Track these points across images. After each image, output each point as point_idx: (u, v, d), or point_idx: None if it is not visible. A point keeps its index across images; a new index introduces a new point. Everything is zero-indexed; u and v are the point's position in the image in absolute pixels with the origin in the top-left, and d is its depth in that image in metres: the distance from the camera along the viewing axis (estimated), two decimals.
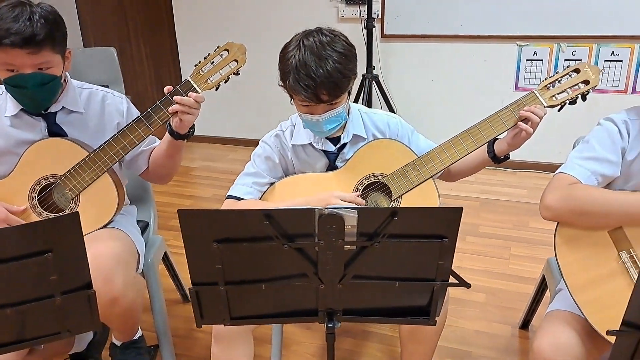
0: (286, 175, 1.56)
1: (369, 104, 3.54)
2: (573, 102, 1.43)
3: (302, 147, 1.53)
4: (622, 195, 1.26)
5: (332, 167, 1.54)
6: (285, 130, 1.56)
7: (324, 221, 0.99)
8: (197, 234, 1.02)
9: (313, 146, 1.52)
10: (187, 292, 1.86)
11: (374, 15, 3.46)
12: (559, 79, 1.44)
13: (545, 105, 1.42)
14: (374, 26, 3.45)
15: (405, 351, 1.52)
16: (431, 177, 1.46)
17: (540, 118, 1.39)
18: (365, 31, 3.46)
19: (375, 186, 1.49)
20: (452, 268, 1.07)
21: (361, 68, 3.58)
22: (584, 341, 1.23)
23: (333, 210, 0.98)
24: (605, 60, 3.24)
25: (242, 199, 1.50)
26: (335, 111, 1.40)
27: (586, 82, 1.42)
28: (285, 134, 1.55)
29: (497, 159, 1.50)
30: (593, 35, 3.19)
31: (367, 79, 3.49)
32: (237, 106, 4.17)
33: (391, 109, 3.59)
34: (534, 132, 1.40)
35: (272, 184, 1.54)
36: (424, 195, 1.45)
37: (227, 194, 1.52)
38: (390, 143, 1.50)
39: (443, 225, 1.02)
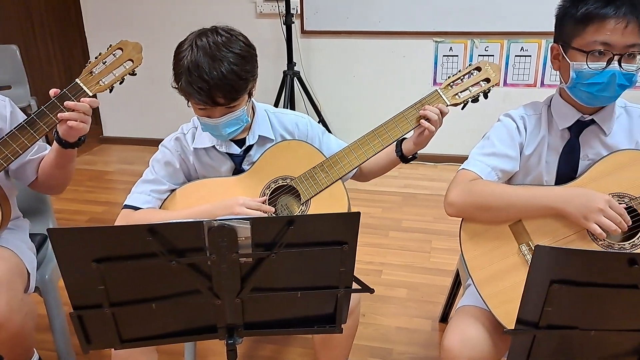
0: (189, 181, 1.48)
1: (291, 100, 3.49)
2: (475, 100, 1.44)
3: (204, 150, 1.45)
4: (520, 190, 1.28)
5: (238, 170, 1.47)
6: (187, 133, 1.48)
7: (214, 234, 0.93)
8: (74, 254, 0.93)
9: (216, 149, 1.45)
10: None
11: (292, 11, 3.41)
12: (461, 78, 1.45)
13: (448, 104, 1.42)
14: (293, 22, 3.40)
15: (321, 357, 1.49)
16: (340, 178, 1.43)
17: (442, 116, 1.39)
18: (284, 27, 3.40)
19: (283, 189, 1.44)
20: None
21: (282, 64, 3.55)
22: (492, 335, 1.25)
23: (223, 222, 0.92)
24: (515, 56, 3.37)
25: (140, 208, 1.40)
26: (234, 114, 1.34)
27: (487, 80, 1.44)
28: (186, 137, 1.47)
29: (405, 159, 1.49)
30: (504, 32, 3.30)
31: (289, 76, 3.44)
32: (156, 105, 3.98)
33: (314, 105, 3.56)
34: (436, 130, 1.40)
35: (173, 190, 1.45)
36: (333, 198, 1.42)
37: (124, 204, 1.42)
38: (298, 144, 1.46)
39: (342, 231, 0.98)
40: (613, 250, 1.21)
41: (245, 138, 1.45)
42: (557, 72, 1.33)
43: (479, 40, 3.37)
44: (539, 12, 3.18)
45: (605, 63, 1.19)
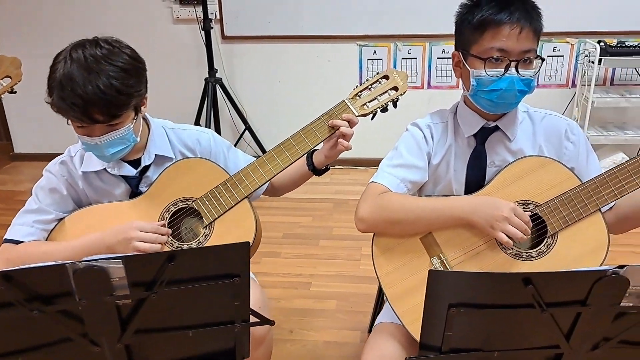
0: (80, 207, 1.34)
1: (214, 108, 3.37)
2: (384, 109, 1.40)
3: (95, 173, 1.33)
4: (428, 202, 1.25)
5: (135, 193, 1.35)
6: (74, 155, 1.34)
7: (81, 277, 0.82)
8: None
9: (108, 172, 1.32)
10: None
11: (211, 16, 3.29)
12: (369, 87, 1.40)
13: (357, 114, 1.37)
14: (212, 27, 3.28)
15: None
16: (246, 197, 1.34)
17: (350, 126, 1.34)
18: (203, 33, 3.27)
19: (185, 212, 1.34)
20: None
21: (203, 71, 3.42)
22: (410, 352, 1.21)
23: (90, 263, 0.81)
24: (437, 58, 3.40)
25: (22, 241, 1.26)
26: (117, 133, 1.22)
27: (395, 89, 1.40)
28: (73, 160, 1.34)
29: (317, 172, 1.42)
30: (425, 34, 3.32)
31: (210, 83, 3.32)
32: None
33: (239, 112, 3.45)
34: (348, 141, 1.34)
35: (61, 219, 1.31)
36: (238, 218, 1.33)
37: (4, 238, 1.27)
38: (198, 162, 1.36)
39: (232, 263, 0.90)
40: (518, 259, 1.20)
41: (140, 158, 1.34)
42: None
43: (401, 43, 3.38)
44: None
45: (503, 69, 1.17)
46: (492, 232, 1.16)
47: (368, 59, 3.45)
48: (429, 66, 3.41)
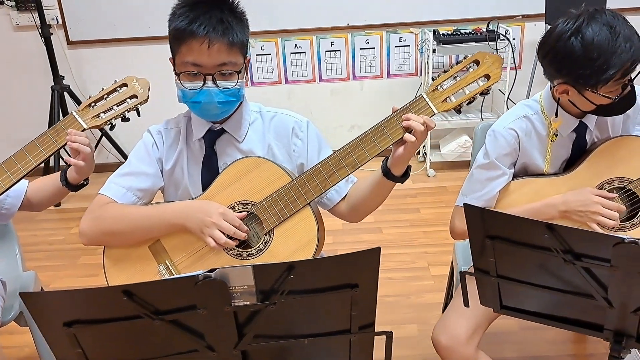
0: None
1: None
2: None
3: None
4: (145, 210, 1.24)
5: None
6: None
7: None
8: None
9: None
10: None
11: (52, 21, 3.16)
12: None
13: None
14: (52, 33, 3.15)
15: None
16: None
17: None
18: (43, 39, 3.14)
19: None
20: None
21: (48, 80, 3.28)
22: None
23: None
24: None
25: None
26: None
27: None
28: None
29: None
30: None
31: (56, 91, 3.19)
32: None
33: None
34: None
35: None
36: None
37: None
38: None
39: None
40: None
41: None
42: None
43: (254, 40, 3.38)
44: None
45: (202, 82, 1.17)
46: (203, 237, 1.17)
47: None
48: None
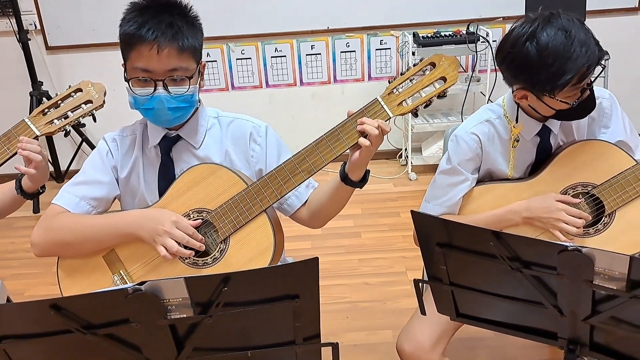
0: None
1: None
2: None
3: None
4: (96, 220, 1.22)
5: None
6: None
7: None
8: None
9: None
10: None
11: (30, 27, 3.14)
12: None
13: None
14: (29, 39, 3.12)
15: None
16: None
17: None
18: (21, 45, 3.11)
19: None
20: None
21: (26, 86, 3.25)
22: None
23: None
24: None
25: None
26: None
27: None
28: None
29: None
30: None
31: (35, 97, 3.16)
32: None
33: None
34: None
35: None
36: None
37: None
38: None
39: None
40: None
41: None
42: None
43: (234, 44, 3.36)
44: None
45: (153, 89, 1.15)
46: (155, 246, 1.15)
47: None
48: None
